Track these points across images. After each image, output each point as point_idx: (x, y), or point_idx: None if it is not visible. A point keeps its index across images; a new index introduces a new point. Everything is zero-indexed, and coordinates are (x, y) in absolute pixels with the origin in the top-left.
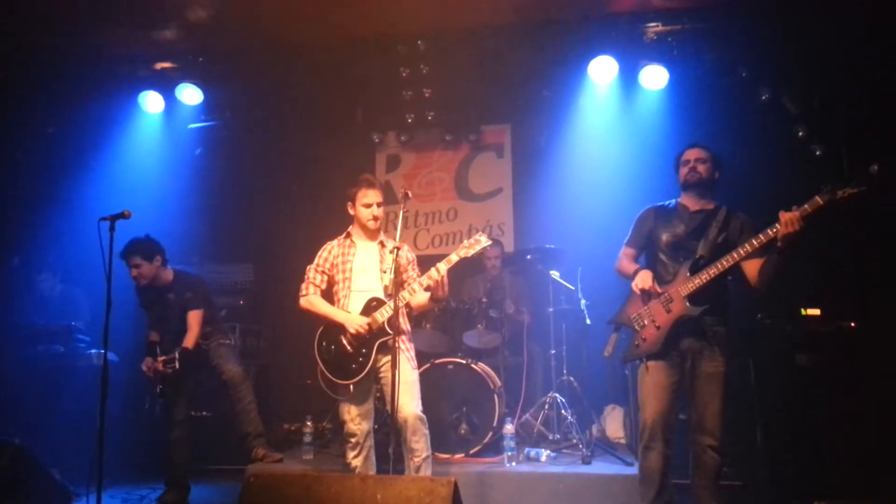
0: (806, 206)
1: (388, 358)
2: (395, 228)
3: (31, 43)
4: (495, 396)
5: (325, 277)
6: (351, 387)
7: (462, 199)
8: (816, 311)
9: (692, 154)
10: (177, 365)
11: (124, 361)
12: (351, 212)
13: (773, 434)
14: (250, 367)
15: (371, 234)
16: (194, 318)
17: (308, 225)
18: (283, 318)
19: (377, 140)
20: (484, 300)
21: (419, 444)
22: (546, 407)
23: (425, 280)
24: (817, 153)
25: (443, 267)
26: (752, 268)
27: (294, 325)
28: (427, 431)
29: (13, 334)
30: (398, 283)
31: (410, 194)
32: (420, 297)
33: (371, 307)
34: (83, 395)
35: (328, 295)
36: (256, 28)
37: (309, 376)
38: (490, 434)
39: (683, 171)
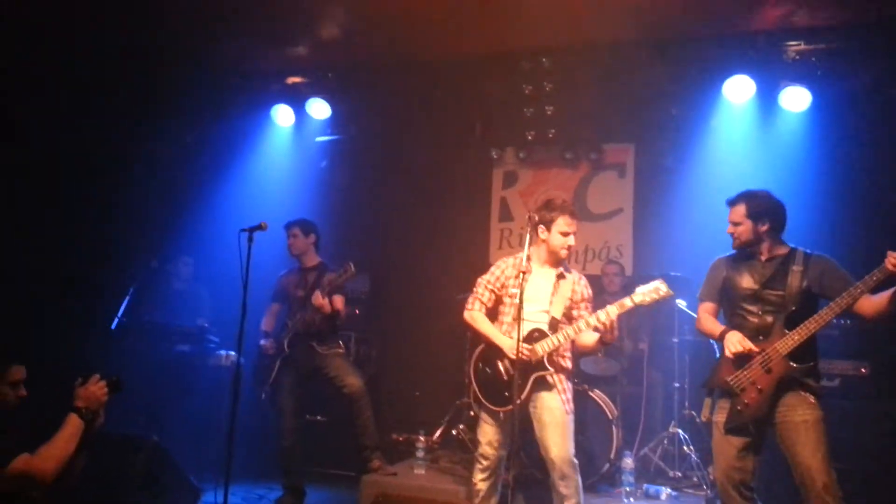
0: None
1: (543, 393)
2: (510, 246)
3: (173, 56)
4: (613, 427)
5: (493, 296)
6: (501, 414)
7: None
8: None
9: (729, 216)
10: (325, 307)
11: (249, 364)
12: (542, 235)
13: None
14: (361, 376)
15: (554, 262)
16: (339, 300)
17: (424, 237)
18: (395, 329)
19: (495, 156)
20: None
21: (569, 489)
22: (665, 441)
23: (593, 320)
24: None
25: (614, 310)
26: (865, 305)
27: (407, 336)
28: (578, 476)
29: (149, 333)
30: (521, 309)
31: (537, 218)
32: (587, 338)
33: (533, 338)
34: (210, 393)
35: (493, 313)
36: (383, 45)
37: (418, 388)
38: (606, 466)
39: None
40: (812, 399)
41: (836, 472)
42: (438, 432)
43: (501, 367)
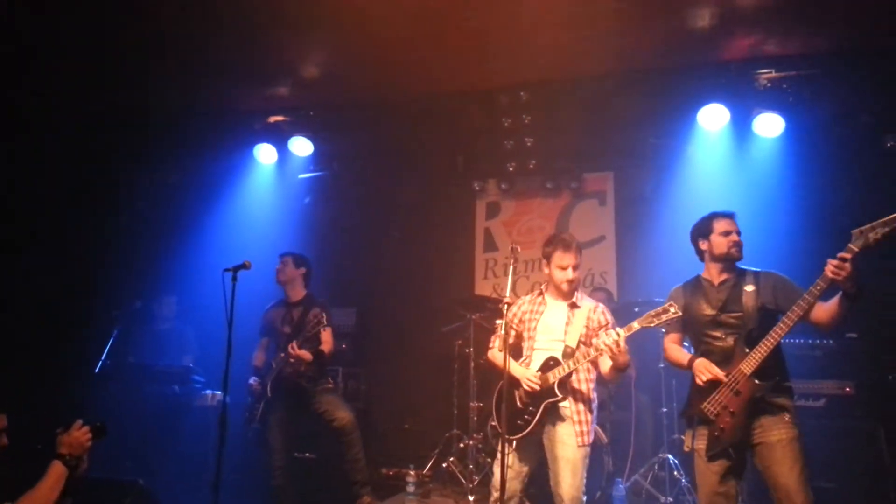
0: (845, 253)
1: (557, 424)
2: (494, 276)
3: (155, 97)
4: (603, 455)
5: (513, 332)
6: (514, 442)
7: None
8: None
9: (731, 225)
10: (305, 357)
11: (236, 403)
12: (545, 270)
13: None
14: (351, 410)
15: (564, 295)
16: (327, 335)
17: (409, 270)
18: (383, 363)
19: (477, 188)
20: None
21: None
22: (656, 467)
23: (601, 344)
24: None
25: (621, 332)
26: (818, 314)
27: (394, 369)
28: None
29: (134, 375)
30: (506, 340)
31: (520, 248)
32: (603, 364)
33: (548, 366)
34: (196, 434)
35: (517, 349)
36: (364, 83)
37: (407, 421)
38: (598, 493)
39: (724, 242)
40: (787, 418)
41: (816, 492)
42: (429, 465)
43: (517, 396)
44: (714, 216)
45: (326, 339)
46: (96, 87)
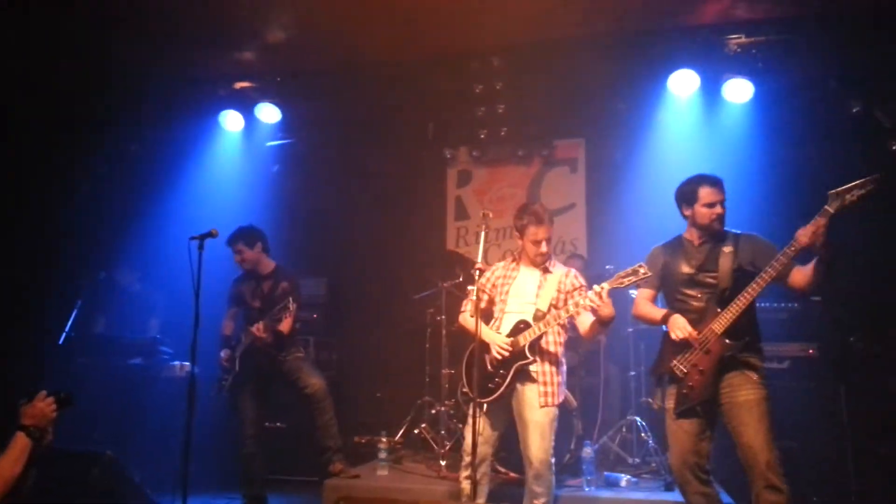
0: (819, 218)
1: (526, 385)
2: (466, 244)
3: (115, 62)
4: (573, 419)
5: (486, 297)
6: (485, 406)
7: None
8: None
9: (716, 195)
10: (267, 338)
11: (205, 373)
12: (519, 241)
13: (865, 465)
14: (322, 377)
15: (536, 263)
16: (288, 318)
17: (380, 239)
18: (355, 332)
19: (448, 156)
20: None
21: (541, 487)
22: (624, 429)
23: (585, 300)
24: None
25: (604, 286)
26: (797, 277)
27: (366, 338)
28: (552, 476)
29: (100, 347)
30: (478, 306)
31: (491, 215)
32: (584, 321)
33: (519, 329)
34: (165, 405)
35: (488, 313)
36: (331, 48)
37: (379, 389)
38: (567, 456)
39: (707, 214)
40: (755, 377)
41: (780, 451)
42: (401, 432)
43: (487, 359)
44: (701, 183)
45: (286, 322)
46: (53, 52)
